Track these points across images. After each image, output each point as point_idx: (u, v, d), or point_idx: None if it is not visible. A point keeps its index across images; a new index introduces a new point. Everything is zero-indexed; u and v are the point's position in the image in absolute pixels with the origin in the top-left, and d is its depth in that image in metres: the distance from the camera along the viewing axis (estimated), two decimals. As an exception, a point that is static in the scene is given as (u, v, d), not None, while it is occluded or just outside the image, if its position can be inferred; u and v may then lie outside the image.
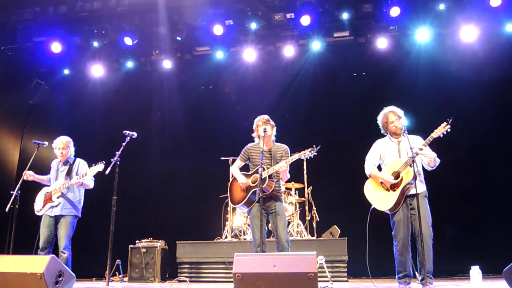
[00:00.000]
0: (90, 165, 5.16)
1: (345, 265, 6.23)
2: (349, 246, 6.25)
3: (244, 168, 4.85)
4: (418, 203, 4.03)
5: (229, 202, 4.98)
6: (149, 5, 7.29)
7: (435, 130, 4.19)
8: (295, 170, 5.73)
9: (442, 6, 6.81)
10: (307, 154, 4.38)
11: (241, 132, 6.93)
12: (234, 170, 4.81)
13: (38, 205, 5.24)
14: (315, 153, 4.40)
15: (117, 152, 5.19)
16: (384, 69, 7.68)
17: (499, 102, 7.14)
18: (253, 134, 4.79)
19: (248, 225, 6.98)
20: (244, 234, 7.03)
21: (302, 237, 6.83)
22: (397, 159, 4.38)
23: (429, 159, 4.26)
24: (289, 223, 6.87)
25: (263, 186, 4.41)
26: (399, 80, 7.47)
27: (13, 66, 8.12)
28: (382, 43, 7.40)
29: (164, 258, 6.98)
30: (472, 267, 4.20)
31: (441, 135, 4.17)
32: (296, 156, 4.42)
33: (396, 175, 4.32)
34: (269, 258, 3.35)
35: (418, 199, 4.04)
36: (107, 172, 5.05)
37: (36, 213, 5.23)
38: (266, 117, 4.72)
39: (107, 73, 8.38)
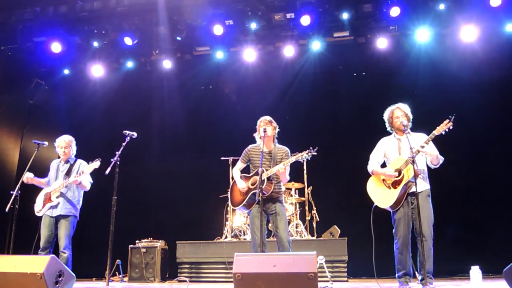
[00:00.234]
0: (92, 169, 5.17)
1: (345, 265, 6.23)
2: (349, 246, 6.25)
3: (246, 170, 4.84)
4: (418, 202, 4.03)
5: (230, 204, 4.99)
6: (149, 5, 7.28)
7: (437, 128, 4.19)
8: (295, 170, 5.73)
9: (442, 6, 6.81)
10: (304, 156, 4.37)
11: (241, 132, 6.93)
12: (235, 173, 4.80)
13: (38, 206, 5.24)
14: (314, 153, 4.39)
15: (117, 152, 5.19)
16: (384, 69, 7.69)
17: (499, 102, 7.14)
18: (255, 134, 4.77)
19: (248, 225, 6.99)
20: (244, 234, 7.03)
21: (302, 237, 6.83)
22: (399, 157, 4.38)
23: (431, 157, 4.27)
24: (289, 223, 6.87)
25: (262, 188, 4.39)
26: (399, 80, 7.47)
27: (13, 66, 8.11)
28: (382, 43, 7.40)
29: (164, 258, 6.98)
30: (472, 267, 4.20)
31: (443, 133, 4.17)
32: (293, 159, 4.41)
33: (398, 173, 4.32)
34: (269, 258, 3.35)
35: (418, 197, 4.04)
36: (107, 172, 5.05)
37: (36, 213, 5.22)
38: (269, 118, 4.70)
39: (107, 73, 8.38)
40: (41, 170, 5.59)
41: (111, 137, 7.47)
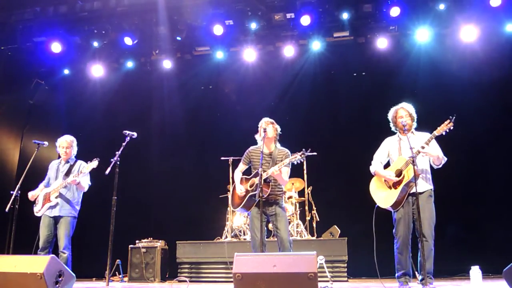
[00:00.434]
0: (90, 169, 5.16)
1: (345, 265, 6.23)
2: (349, 246, 6.25)
3: (249, 171, 4.82)
4: (418, 202, 4.03)
5: (230, 205, 4.98)
6: (149, 5, 7.28)
7: (438, 128, 4.19)
8: (295, 170, 5.73)
9: (442, 6, 6.81)
10: (297, 158, 4.34)
11: (241, 132, 6.94)
12: (236, 175, 4.79)
13: (38, 206, 5.23)
14: (309, 154, 4.38)
15: (117, 152, 5.19)
16: (384, 69, 7.68)
17: (499, 102, 7.14)
18: (256, 135, 4.73)
19: (248, 225, 6.98)
20: (244, 234, 7.03)
21: (302, 237, 6.83)
22: (401, 157, 4.38)
23: (432, 157, 4.27)
24: (289, 223, 6.87)
25: (260, 188, 4.37)
26: (399, 80, 7.47)
27: (13, 66, 8.11)
28: (382, 43, 7.40)
29: (164, 258, 6.98)
30: (472, 267, 4.20)
31: (444, 133, 4.17)
32: (286, 161, 4.39)
33: (399, 173, 4.32)
34: (269, 258, 3.35)
35: (418, 198, 4.04)
36: (107, 172, 5.06)
37: (35, 214, 5.21)
38: (270, 119, 4.68)
39: (107, 73, 8.38)
40: (41, 170, 5.59)
41: (111, 137, 7.47)
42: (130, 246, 6.92)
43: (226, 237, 7.06)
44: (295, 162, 4.43)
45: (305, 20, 7.04)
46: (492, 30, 7.09)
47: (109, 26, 7.57)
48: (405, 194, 4.29)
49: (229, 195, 7.22)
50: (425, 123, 4.58)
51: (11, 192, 5.17)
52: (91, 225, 6.97)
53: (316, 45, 7.63)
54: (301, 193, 7.34)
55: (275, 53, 8.00)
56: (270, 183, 4.49)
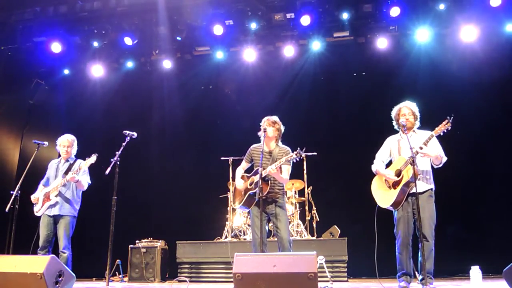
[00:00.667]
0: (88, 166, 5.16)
1: (345, 265, 6.23)
2: (349, 246, 6.25)
3: (251, 169, 4.82)
4: (418, 202, 4.03)
5: (232, 203, 4.99)
6: (149, 5, 7.28)
7: (436, 128, 4.19)
8: (295, 170, 5.73)
9: (442, 6, 6.81)
10: (293, 157, 4.34)
11: (241, 132, 6.95)
12: (237, 172, 4.79)
13: (38, 205, 5.23)
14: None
15: (117, 152, 5.19)
16: (384, 69, 7.69)
17: (499, 102, 7.14)
18: (259, 133, 4.71)
19: (248, 225, 6.99)
20: (244, 234, 7.03)
21: (302, 237, 6.83)
22: (401, 157, 4.38)
23: (430, 158, 4.26)
24: (289, 223, 6.87)
25: (260, 186, 4.37)
26: (399, 80, 7.46)
27: (13, 66, 8.11)
28: (382, 43, 7.40)
29: (164, 258, 6.98)
30: (472, 267, 4.20)
31: (441, 133, 4.17)
32: (283, 160, 4.38)
33: (398, 173, 4.32)
34: (269, 258, 3.35)
35: (418, 198, 4.04)
36: (107, 172, 5.05)
37: (36, 213, 5.21)
38: (273, 118, 4.63)
39: (107, 73, 8.38)
40: (41, 170, 5.59)
41: (111, 137, 7.47)
42: (130, 246, 6.92)
43: (226, 237, 7.06)
44: (293, 161, 4.42)
45: (305, 20, 7.04)
46: (492, 30, 7.10)
47: (109, 26, 7.58)
48: (405, 194, 4.29)
49: (229, 194, 7.23)
50: (425, 123, 4.57)
51: (11, 192, 5.17)
52: (91, 225, 6.97)
53: (316, 45, 7.63)
54: (301, 193, 7.35)
55: (275, 53, 8.00)
56: (269, 182, 4.49)
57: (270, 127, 4.58)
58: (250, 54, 7.86)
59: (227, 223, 7.20)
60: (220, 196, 7.45)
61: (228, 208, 7.21)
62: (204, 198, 7.76)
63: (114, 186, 5.23)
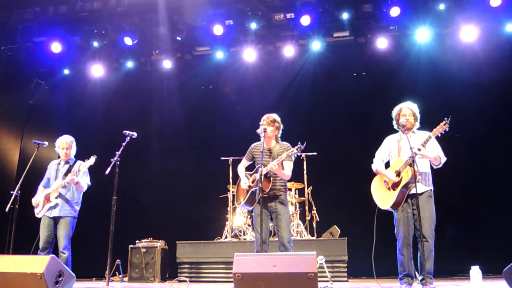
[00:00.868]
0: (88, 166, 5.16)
1: (345, 265, 6.23)
2: (349, 246, 6.25)
3: (252, 168, 4.83)
4: (418, 203, 4.03)
5: (235, 201, 5.00)
6: (149, 5, 7.28)
7: (433, 130, 4.20)
8: (295, 170, 5.73)
9: (442, 6, 6.81)
10: (294, 152, 4.36)
11: (241, 132, 6.94)
12: (239, 170, 4.80)
13: (39, 207, 5.22)
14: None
15: (117, 152, 5.19)
16: (384, 69, 7.68)
17: (499, 102, 7.14)
18: (258, 130, 4.71)
19: (248, 225, 7.00)
20: (244, 234, 7.03)
21: (302, 237, 6.83)
22: (400, 158, 4.38)
23: (429, 159, 4.26)
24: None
25: (260, 186, 4.38)
26: (399, 80, 7.46)
27: (13, 66, 8.12)
28: (382, 43, 7.40)
29: (164, 258, 6.98)
30: (472, 267, 4.20)
31: (439, 135, 4.18)
32: (284, 155, 4.40)
33: (397, 174, 4.32)
34: (269, 258, 3.35)
35: (418, 199, 4.04)
36: (107, 172, 5.05)
37: (36, 215, 5.20)
38: (272, 117, 4.63)
39: (107, 73, 8.38)
40: (41, 170, 5.58)
41: (111, 137, 7.47)
42: (130, 246, 6.92)
43: (226, 237, 7.06)
44: (292, 156, 4.42)
45: (305, 20, 7.04)
46: (492, 30, 7.10)
47: (109, 26, 7.57)
48: (404, 195, 4.28)
49: (229, 195, 7.23)
50: (425, 123, 4.57)
51: (11, 192, 5.17)
52: (91, 225, 6.96)
53: (316, 45, 7.63)
54: (301, 193, 7.34)
55: (275, 53, 8.00)
56: (271, 178, 4.50)
57: (270, 126, 4.59)
58: (250, 54, 7.86)
59: (227, 223, 7.20)
60: (220, 196, 7.45)
61: (228, 208, 7.21)
62: (204, 198, 7.76)
63: (114, 186, 5.22)
